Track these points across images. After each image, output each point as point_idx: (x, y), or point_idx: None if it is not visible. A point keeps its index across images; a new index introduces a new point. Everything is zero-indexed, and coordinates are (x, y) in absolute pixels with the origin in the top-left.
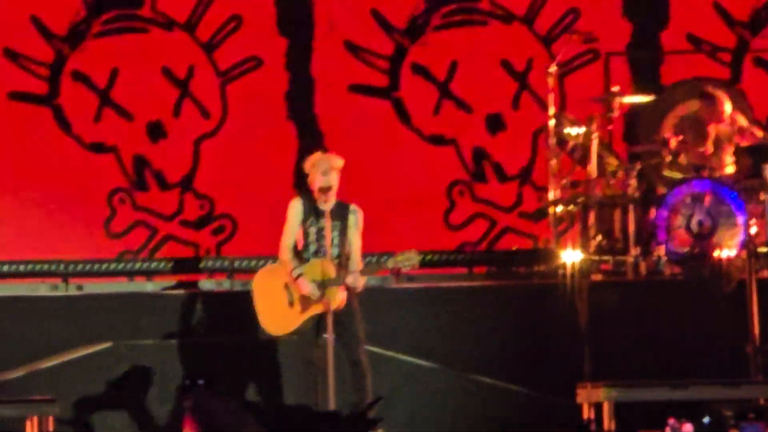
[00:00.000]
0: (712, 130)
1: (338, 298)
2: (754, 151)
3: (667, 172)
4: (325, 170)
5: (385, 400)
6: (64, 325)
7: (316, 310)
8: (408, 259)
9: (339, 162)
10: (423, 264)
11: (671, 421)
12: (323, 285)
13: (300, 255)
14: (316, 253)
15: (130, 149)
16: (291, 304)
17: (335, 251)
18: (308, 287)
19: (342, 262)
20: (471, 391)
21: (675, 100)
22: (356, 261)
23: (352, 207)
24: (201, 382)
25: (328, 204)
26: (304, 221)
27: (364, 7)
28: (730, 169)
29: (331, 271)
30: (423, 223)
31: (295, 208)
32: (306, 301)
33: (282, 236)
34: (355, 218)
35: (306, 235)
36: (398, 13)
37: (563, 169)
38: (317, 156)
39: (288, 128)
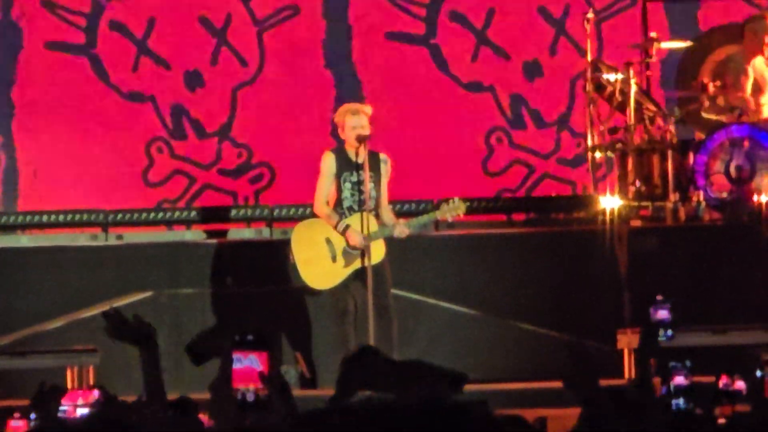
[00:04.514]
0: (751, 71)
1: (381, 251)
2: None
3: (704, 114)
4: (360, 119)
5: (426, 347)
6: (104, 274)
7: (359, 264)
8: (454, 209)
9: (370, 110)
10: None
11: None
12: (368, 238)
13: (335, 210)
14: (351, 208)
15: (168, 98)
16: (334, 259)
17: (372, 203)
18: (358, 238)
19: (377, 213)
20: (511, 338)
21: (712, 46)
22: (389, 210)
23: (383, 156)
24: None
25: (363, 155)
26: (338, 175)
27: None
28: None
29: (373, 224)
30: (461, 171)
31: (329, 161)
32: (349, 256)
33: (316, 191)
34: (387, 168)
35: (341, 189)
36: None
37: (601, 116)
38: (348, 106)
39: (325, 76)
